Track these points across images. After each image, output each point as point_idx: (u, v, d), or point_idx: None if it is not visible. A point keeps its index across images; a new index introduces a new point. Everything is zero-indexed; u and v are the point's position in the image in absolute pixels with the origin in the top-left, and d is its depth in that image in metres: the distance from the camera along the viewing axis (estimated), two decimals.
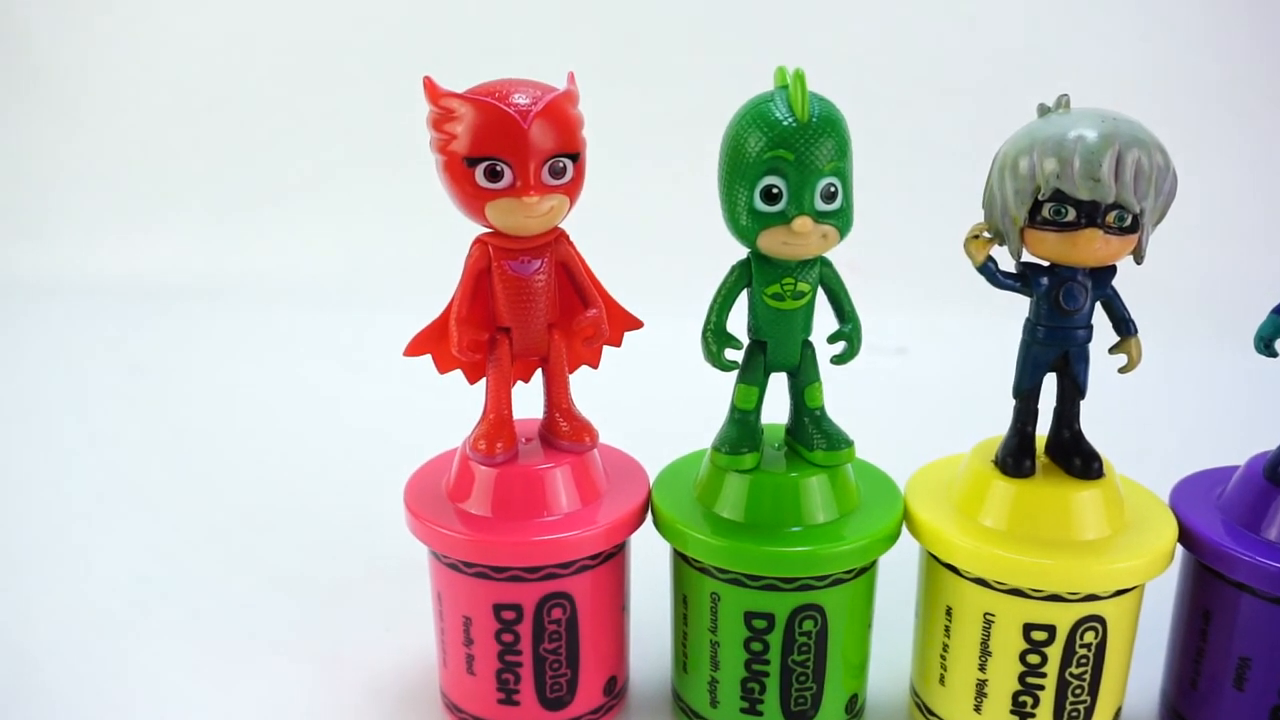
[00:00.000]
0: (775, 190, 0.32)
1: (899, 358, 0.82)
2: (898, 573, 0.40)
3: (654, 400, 0.69)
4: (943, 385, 0.75)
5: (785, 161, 0.32)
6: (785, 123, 0.32)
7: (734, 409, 0.37)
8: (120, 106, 1.10)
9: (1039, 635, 0.35)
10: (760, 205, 0.33)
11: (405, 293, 0.66)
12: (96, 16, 1.10)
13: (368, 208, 1.03)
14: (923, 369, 0.80)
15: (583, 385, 0.40)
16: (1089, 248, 0.32)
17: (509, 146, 0.33)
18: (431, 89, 0.34)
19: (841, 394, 0.72)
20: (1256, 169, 0.90)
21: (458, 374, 0.39)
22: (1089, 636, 0.35)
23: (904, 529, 0.37)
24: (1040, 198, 0.32)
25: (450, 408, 0.47)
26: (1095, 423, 0.38)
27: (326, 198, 1.05)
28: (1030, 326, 0.35)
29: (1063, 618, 0.34)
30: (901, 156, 0.89)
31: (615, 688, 0.40)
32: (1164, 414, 0.71)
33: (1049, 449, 0.37)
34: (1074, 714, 0.36)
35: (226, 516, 0.57)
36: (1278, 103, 0.92)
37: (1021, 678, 0.35)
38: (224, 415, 0.73)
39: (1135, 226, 0.32)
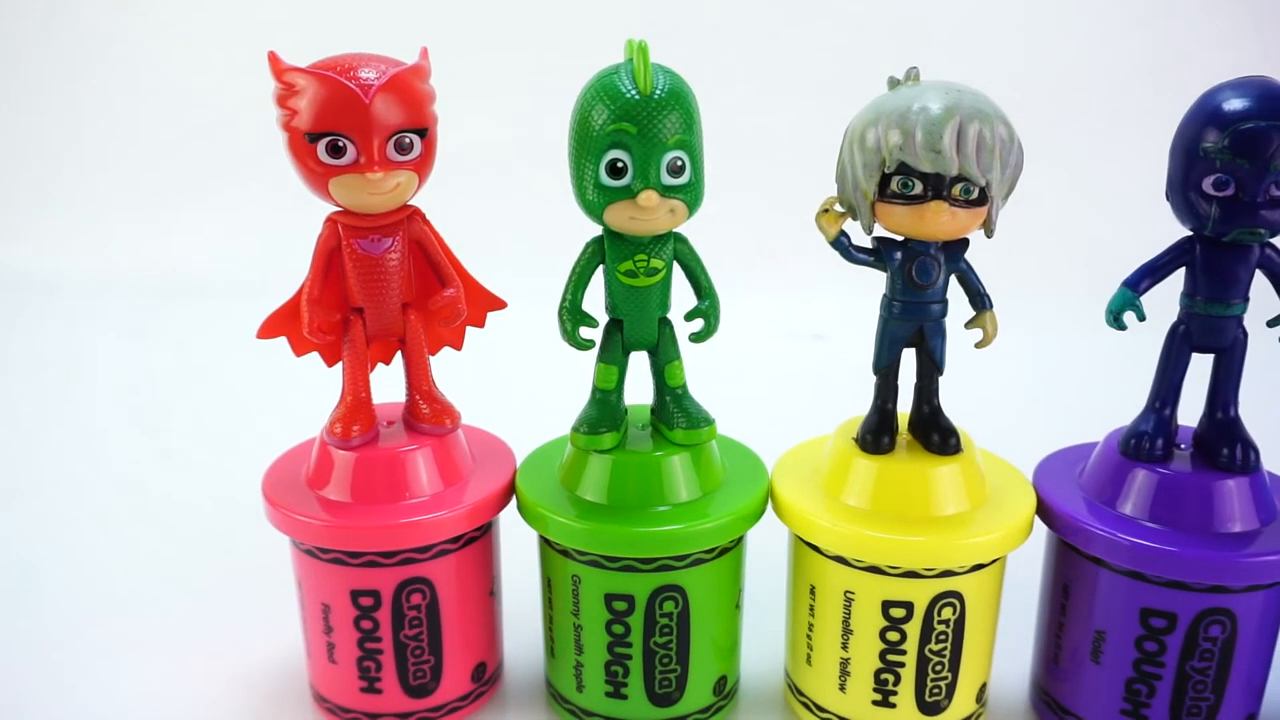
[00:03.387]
0: (620, 164, 0.32)
1: (817, 344, 0.82)
2: (783, 553, 0.39)
3: (528, 382, 0.68)
4: (861, 371, 0.75)
5: (628, 135, 0.32)
6: (628, 95, 0.32)
7: (595, 389, 0.36)
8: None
9: (897, 612, 0.34)
10: (605, 179, 0.32)
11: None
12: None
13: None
14: (841, 355, 0.80)
15: (449, 367, 0.40)
16: (936, 220, 0.32)
17: (350, 121, 0.32)
18: (275, 63, 0.33)
19: (759, 380, 0.72)
20: (1117, 144, 0.90)
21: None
22: (947, 613, 0.34)
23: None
24: (886, 170, 0.32)
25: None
26: (962, 399, 0.38)
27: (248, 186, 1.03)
28: (886, 302, 0.35)
29: (919, 594, 0.34)
30: (820, 141, 0.88)
31: (485, 674, 0.39)
32: (1036, 389, 0.72)
33: (910, 426, 0.37)
34: (935, 691, 0.35)
35: (101, 507, 0.56)
36: (1139, 79, 0.93)
37: (882, 655, 0.35)
38: (103, 405, 0.72)
39: (983, 199, 0.32)
